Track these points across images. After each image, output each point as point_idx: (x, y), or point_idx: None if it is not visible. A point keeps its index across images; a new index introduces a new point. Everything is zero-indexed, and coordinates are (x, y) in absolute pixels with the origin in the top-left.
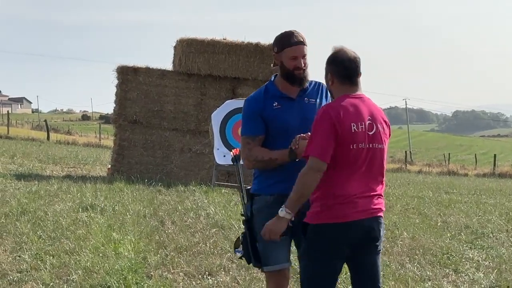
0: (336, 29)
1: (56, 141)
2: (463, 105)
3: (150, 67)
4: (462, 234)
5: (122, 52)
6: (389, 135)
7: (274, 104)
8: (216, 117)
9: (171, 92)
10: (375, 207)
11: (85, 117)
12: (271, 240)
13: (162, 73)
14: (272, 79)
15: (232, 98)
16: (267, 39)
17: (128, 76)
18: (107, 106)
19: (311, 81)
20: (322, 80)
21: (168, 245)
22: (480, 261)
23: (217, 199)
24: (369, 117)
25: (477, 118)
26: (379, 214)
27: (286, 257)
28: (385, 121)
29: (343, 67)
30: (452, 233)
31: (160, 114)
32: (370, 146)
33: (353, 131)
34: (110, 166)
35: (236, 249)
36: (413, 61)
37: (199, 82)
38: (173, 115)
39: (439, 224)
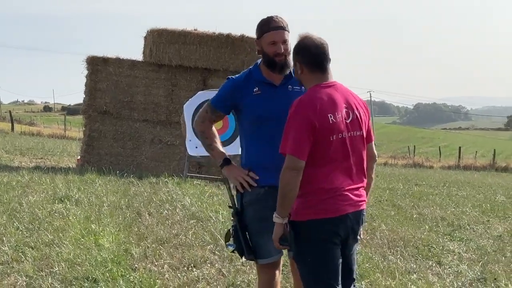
0: (300, 20)
1: (21, 132)
2: (425, 97)
3: (121, 58)
4: (439, 226)
5: (85, 43)
6: (368, 118)
7: (255, 90)
8: (188, 108)
9: (142, 83)
10: (360, 199)
11: (47, 108)
12: (263, 233)
13: (133, 63)
14: (258, 63)
15: (203, 89)
16: (238, 31)
17: (98, 67)
18: (69, 97)
19: None
20: None
21: (148, 237)
22: (462, 253)
23: (191, 191)
24: (344, 105)
25: (438, 111)
26: (363, 207)
27: (278, 249)
28: (362, 105)
29: (311, 55)
30: (430, 225)
31: (130, 105)
32: (350, 134)
33: (331, 122)
34: (79, 157)
35: (228, 243)
36: (377, 53)
37: (170, 73)
38: (143, 106)
39: (415, 216)
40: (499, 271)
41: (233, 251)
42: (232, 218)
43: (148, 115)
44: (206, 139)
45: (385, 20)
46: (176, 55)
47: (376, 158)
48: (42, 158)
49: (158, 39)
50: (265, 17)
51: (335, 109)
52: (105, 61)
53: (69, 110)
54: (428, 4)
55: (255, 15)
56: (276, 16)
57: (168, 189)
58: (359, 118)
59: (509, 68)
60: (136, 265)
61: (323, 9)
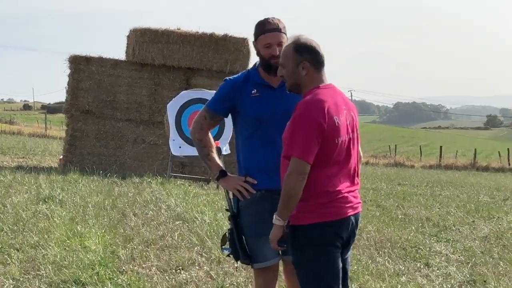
0: (282, 17)
1: (1, 131)
2: (404, 96)
3: (103, 57)
4: (425, 227)
5: (66, 41)
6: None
7: (253, 92)
8: (172, 107)
9: (124, 82)
10: (358, 201)
11: (26, 106)
12: (260, 237)
13: (115, 63)
14: (257, 64)
15: (186, 89)
16: (222, 30)
17: (81, 66)
18: (49, 96)
19: None
20: None
21: (134, 238)
22: (449, 255)
23: (175, 191)
24: (344, 107)
25: (418, 110)
26: (361, 209)
27: (275, 252)
28: (353, 107)
29: (316, 52)
30: (415, 226)
31: (113, 105)
32: (349, 137)
33: (336, 124)
34: (62, 156)
35: (223, 247)
36: (358, 52)
37: (153, 72)
38: (126, 106)
39: (400, 217)
40: (488, 273)
41: (228, 255)
42: (228, 222)
43: (131, 115)
44: (204, 148)
45: (365, 20)
46: (159, 54)
47: (362, 159)
48: (24, 158)
49: (141, 38)
50: (262, 18)
51: (338, 111)
52: (87, 60)
53: (49, 109)
54: (410, 3)
55: (240, 15)
56: (273, 18)
57: (152, 190)
58: (354, 120)
59: (488, 67)
60: (123, 268)
61: (300, 8)
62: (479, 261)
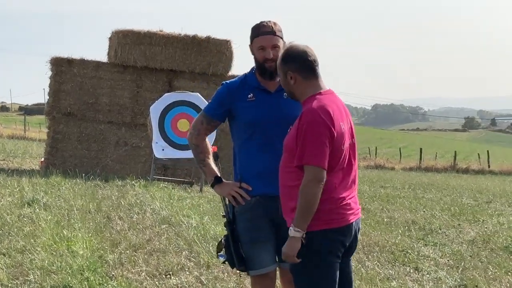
0: (262, 18)
1: None
2: (382, 98)
3: (85, 59)
4: (411, 230)
5: (43, 42)
6: None
7: (249, 96)
8: (155, 110)
9: (106, 84)
10: (358, 206)
11: (4, 108)
12: (255, 243)
13: (97, 64)
14: (254, 69)
15: (168, 91)
16: (204, 32)
17: (62, 68)
18: (27, 97)
19: None
20: None
21: (121, 243)
22: (437, 259)
23: (159, 194)
24: (343, 111)
25: (396, 112)
26: (360, 214)
27: (272, 259)
28: (349, 112)
29: (302, 60)
30: (402, 230)
31: (95, 107)
32: (351, 142)
33: (342, 130)
34: (43, 159)
35: (219, 254)
36: (336, 53)
37: (135, 74)
38: (108, 108)
39: (385, 220)
40: (479, 278)
41: (224, 262)
42: (224, 228)
43: (113, 117)
44: (200, 153)
45: (342, 21)
46: (141, 56)
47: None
48: (4, 160)
49: (123, 40)
50: (258, 21)
51: (342, 117)
52: (69, 62)
53: (27, 110)
54: (388, 5)
55: (222, 16)
56: (269, 21)
57: (135, 193)
58: (352, 126)
59: (465, 69)
60: (112, 273)
61: (277, 9)
62: (468, 265)
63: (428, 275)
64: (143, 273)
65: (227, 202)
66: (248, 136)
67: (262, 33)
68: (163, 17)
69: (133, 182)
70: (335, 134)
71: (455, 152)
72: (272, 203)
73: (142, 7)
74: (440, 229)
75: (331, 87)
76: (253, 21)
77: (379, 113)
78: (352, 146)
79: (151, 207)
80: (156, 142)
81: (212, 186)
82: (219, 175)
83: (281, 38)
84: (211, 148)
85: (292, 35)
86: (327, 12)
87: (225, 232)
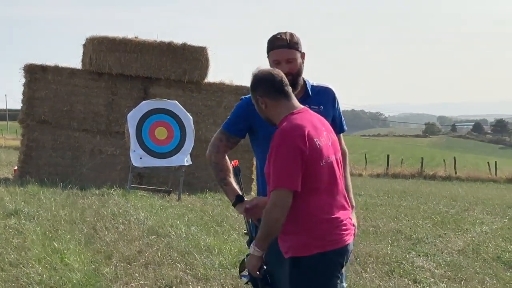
0: (232, 24)
1: None
2: (343, 104)
3: (59, 66)
4: (399, 240)
5: (15, 48)
6: None
7: None
8: (132, 118)
9: (81, 92)
10: (354, 226)
11: None
12: (280, 264)
13: (72, 72)
14: None
15: (144, 98)
16: (180, 39)
17: (36, 75)
18: None
19: (319, 86)
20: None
21: (113, 255)
22: (433, 270)
23: (139, 203)
24: (323, 128)
25: (356, 117)
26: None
27: None
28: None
29: (269, 83)
30: (390, 239)
31: (70, 114)
32: (335, 157)
33: (318, 146)
34: (16, 167)
35: (242, 274)
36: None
37: (110, 82)
38: (83, 115)
39: (370, 230)
40: None
41: (247, 283)
42: (247, 246)
43: (88, 125)
44: (220, 172)
45: (304, 27)
46: (116, 63)
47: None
48: None
49: (98, 47)
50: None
51: (318, 133)
52: (43, 69)
53: None
54: (353, 4)
55: (198, 23)
56: (285, 33)
57: (115, 202)
58: (335, 142)
59: (425, 75)
60: (111, 287)
61: (253, 15)
62: (465, 277)
63: (428, 287)
64: (144, 287)
65: (250, 220)
66: (263, 145)
67: (277, 47)
68: (139, 24)
69: (110, 191)
70: (307, 153)
71: (422, 158)
72: None
73: (117, 13)
74: (427, 239)
75: None
76: (228, 28)
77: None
78: (338, 162)
79: (135, 217)
80: (134, 151)
81: (234, 205)
82: (240, 193)
83: (298, 50)
84: (230, 165)
85: (253, 40)
86: (286, 18)
87: (248, 251)
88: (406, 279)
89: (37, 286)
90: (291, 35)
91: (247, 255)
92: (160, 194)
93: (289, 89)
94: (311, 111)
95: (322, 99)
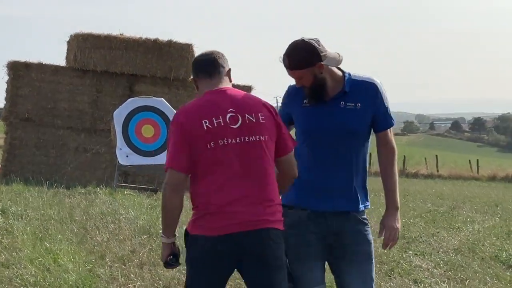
0: (208, 22)
1: None
2: None
3: (43, 63)
4: None
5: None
6: (277, 125)
7: (305, 101)
8: (118, 115)
9: (65, 89)
10: (259, 218)
11: None
12: (306, 262)
13: (56, 69)
14: None
15: (129, 96)
16: (166, 36)
17: (20, 72)
18: None
19: (360, 80)
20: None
21: (106, 255)
22: (431, 270)
23: (127, 202)
24: (231, 109)
25: None
26: (266, 226)
27: (320, 279)
28: (267, 111)
29: (197, 62)
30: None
31: (54, 112)
32: (239, 140)
33: (205, 128)
34: (0, 166)
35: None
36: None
37: (95, 79)
38: (67, 113)
39: None
40: None
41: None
42: None
43: (72, 123)
44: None
45: (285, 26)
46: (101, 60)
47: (296, 175)
48: None
49: (83, 44)
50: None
51: (213, 114)
52: (27, 66)
53: None
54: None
55: (184, 20)
56: (289, 51)
57: (103, 201)
58: (255, 123)
59: (404, 73)
60: None
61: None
62: (465, 277)
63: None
64: None
65: None
66: (302, 145)
67: (285, 67)
68: (124, 20)
69: (97, 190)
70: (189, 133)
71: (404, 157)
72: (322, 220)
73: (101, 10)
74: (421, 238)
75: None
76: (214, 25)
77: None
78: (253, 144)
79: (124, 216)
80: (120, 149)
81: None
82: None
83: (303, 68)
84: None
85: (235, 40)
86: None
87: None
88: (407, 279)
89: None
90: (292, 53)
91: None
92: (147, 192)
93: (216, 70)
94: (230, 91)
95: (360, 96)
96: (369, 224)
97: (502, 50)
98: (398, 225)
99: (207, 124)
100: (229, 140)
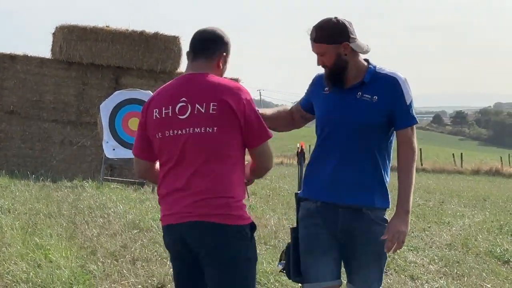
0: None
1: None
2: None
3: (29, 55)
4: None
5: None
6: (241, 116)
7: (326, 89)
8: (105, 108)
9: (51, 81)
10: (190, 210)
11: None
12: (313, 254)
13: (41, 61)
14: None
15: (115, 88)
16: (152, 28)
17: (5, 64)
18: None
19: (383, 73)
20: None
21: (97, 250)
22: (427, 265)
23: (114, 196)
24: (183, 99)
25: None
26: (204, 219)
27: (331, 274)
28: (224, 101)
29: (191, 38)
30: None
31: (39, 105)
32: (185, 131)
33: (154, 117)
34: None
35: (280, 262)
36: (265, 51)
37: (81, 71)
38: (52, 106)
39: None
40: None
41: (281, 271)
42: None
43: (58, 115)
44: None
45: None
46: (87, 52)
47: (268, 167)
48: None
49: (68, 35)
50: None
51: (164, 103)
52: (12, 58)
53: None
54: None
55: (170, 12)
56: (319, 24)
57: (89, 194)
58: (204, 115)
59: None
60: (103, 286)
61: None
62: (462, 273)
63: (427, 284)
64: (137, 286)
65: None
66: (318, 134)
67: (310, 39)
68: (110, 12)
69: (84, 184)
70: (144, 121)
71: None
72: (332, 214)
73: (87, 1)
74: (413, 232)
75: (260, 85)
76: (201, 17)
77: None
78: (198, 136)
79: (113, 210)
80: (107, 142)
81: None
82: None
83: (328, 43)
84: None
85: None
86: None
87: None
88: (403, 276)
89: (24, 285)
90: (322, 26)
91: (286, 247)
92: (134, 186)
93: (202, 51)
94: (196, 78)
95: (379, 89)
96: (386, 225)
97: (483, 43)
98: (405, 228)
99: (156, 114)
100: (175, 132)
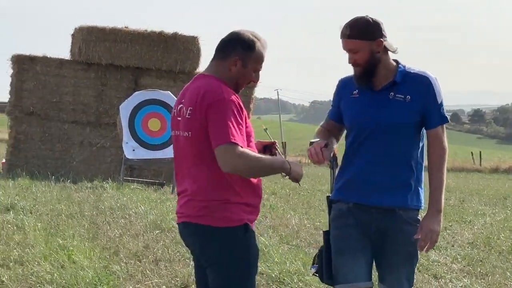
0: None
1: None
2: (320, 94)
3: (48, 56)
4: None
5: (4, 41)
6: (205, 119)
7: (354, 92)
8: (124, 109)
9: (70, 83)
10: (183, 211)
11: None
12: (344, 255)
13: (61, 62)
14: None
15: (134, 89)
16: (171, 28)
17: (25, 66)
18: None
19: (414, 73)
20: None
21: (120, 251)
22: (449, 264)
23: (135, 197)
24: (183, 100)
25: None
26: (187, 220)
27: (363, 275)
28: (198, 104)
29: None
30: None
31: (59, 106)
32: (177, 133)
33: (173, 115)
34: (4, 160)
35: (313, 265)
36: (282, 51)
37: (100, 72)
38: (72, 107)
39: None
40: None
41: (314, 274)
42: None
43: (77, 116)
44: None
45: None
46: (106, 53)
47: (231, 170)
48: None
49: (87, 36)
50: None
51: (176, 103)
52: (32, 59)
53: None
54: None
55: (189, 12)
56: (352, 21)
57: (110, 195)
58: (187, 118)
59: None
60: (128, 287)
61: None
62: (485, 272)
63: (451, 283)
64: (161, 286)
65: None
66: (349, 138)
67: (340, 36)
68: (129, 13)
69: (103, 184)
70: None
71: None
72: (363, 213)
73: (106, 2)
74: None
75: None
76: (220, 17)
77: (317, 109)
78: (182, 139)
79: (134, 211)
80: (127, 142)
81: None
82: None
83: (363, 39)
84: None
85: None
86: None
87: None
88: (426, 275)
89: (49, 286)
90: (352, 24)
91: (319, 250)
92: (153, 186)
93: (218, 53)
94: (198, 79)
95: (411, 89)
96: (418, 225)
97: (500, 42)
98: (438, 227)
99: (174, 111)
100: (176, 132)
